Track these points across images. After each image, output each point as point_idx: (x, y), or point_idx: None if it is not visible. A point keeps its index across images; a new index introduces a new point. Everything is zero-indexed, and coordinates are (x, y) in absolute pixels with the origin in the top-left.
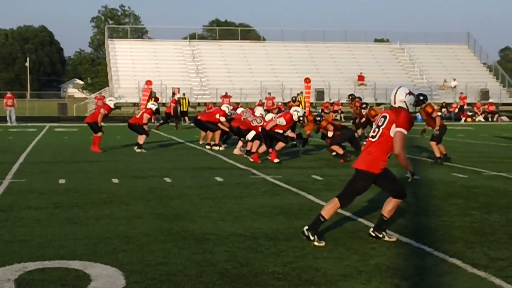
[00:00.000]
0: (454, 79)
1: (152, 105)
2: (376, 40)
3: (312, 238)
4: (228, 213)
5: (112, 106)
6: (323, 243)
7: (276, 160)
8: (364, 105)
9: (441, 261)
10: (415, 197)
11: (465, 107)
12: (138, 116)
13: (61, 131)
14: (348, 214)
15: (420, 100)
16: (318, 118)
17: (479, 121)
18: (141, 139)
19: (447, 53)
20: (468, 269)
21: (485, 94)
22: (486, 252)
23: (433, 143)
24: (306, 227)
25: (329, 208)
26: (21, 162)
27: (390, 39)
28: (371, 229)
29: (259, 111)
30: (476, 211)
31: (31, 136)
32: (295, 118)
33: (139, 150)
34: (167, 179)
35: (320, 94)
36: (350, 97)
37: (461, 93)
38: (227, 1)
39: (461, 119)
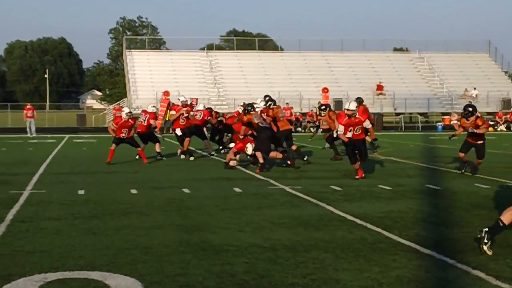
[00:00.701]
0: (475, 88)
1: (152, 108)
2: (395, 49)
3: (486, 241)
4: (247, 224)
5: (124, 116)
6: (491, 252)
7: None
8: (323, 107)
9: (464, 273)
10: (436, 208)
11: (487, 116)
12: (145, 124)
13: (80, 142)
14: (368, 225)
15: (470, 111)
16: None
17: (501, 130)
18: (158, 147)
19: (467, 62)
20: (492, 282)
21: (507, 103)
22: (510, 264)
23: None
24: (486, 229)
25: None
26: (41, 173)
27: (409, 48)
28: (486, 228)
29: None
30: None
31: (51, 147)
32: (348, 112)
33: (160, 158)
34: (186, 190)
35: (338, 104)
36: (358, 100)
37: (469, 101)
38: (244, 11)
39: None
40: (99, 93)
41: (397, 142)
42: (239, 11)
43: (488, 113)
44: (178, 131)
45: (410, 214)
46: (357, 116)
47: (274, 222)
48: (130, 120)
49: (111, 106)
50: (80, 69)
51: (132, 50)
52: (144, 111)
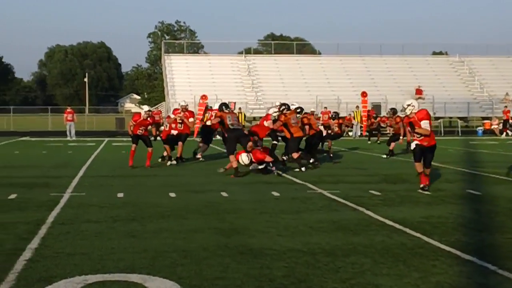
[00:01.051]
0: None
1: (171, 115)
2: (434, 53)
3: None
4: (286, 228)
5: (143, 114)
6: None
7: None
8: (299, 109)
9: (505, 280)
10: (477, 213)
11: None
12: (167, 128)
13: (119, 146)
14: (407, 230)
15: None
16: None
17: None
18: (168, 150)
19: (509, 66)
20: None
21: None
22: None
23: None
24: None
25: None
26: (81, 175)
27: (449, 52)
28: None
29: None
30: None
31: (90, 150)
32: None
33: (170, 163)
34: (224, 194)
35: (377, 108)
36: (392, 111)
37: (505, 106)
38: (282, 15)
39: (502, 133)
40: (138, 97)
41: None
42: (277, 15)
43: None
44: (174, 132)
45: (450, 219)
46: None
47: (313, 226)
48: (148, 118)
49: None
50: (119, 73)
51: (170, 54)
52: (168, 117)
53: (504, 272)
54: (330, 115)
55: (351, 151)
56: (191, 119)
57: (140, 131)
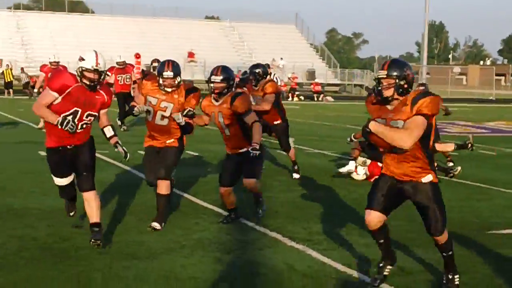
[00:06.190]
0: (282, 59)
1: None
2: (207, 17)
3: None
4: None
5: None
6: None
7: None
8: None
9: (262, 235)
10: None
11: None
12: None
13: None
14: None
15: None
16: None
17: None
18: None
19: (275, 33)
20: (287, 242)
21: (311, 74)
22: (305, 226)
23: None
24: None
25: None
26: None
27: (221, 17)
28: None
29: None
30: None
31: None
32: None
33: None
34: None
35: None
36: None
37: (292, 72)
38: None
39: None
40: None
41: None
42: None
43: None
44: None
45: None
46: None
47: None
48: None
49: None
50: None
51: None
52: None
53: (260, 228)
54: None
55: None
56: None
57: None
